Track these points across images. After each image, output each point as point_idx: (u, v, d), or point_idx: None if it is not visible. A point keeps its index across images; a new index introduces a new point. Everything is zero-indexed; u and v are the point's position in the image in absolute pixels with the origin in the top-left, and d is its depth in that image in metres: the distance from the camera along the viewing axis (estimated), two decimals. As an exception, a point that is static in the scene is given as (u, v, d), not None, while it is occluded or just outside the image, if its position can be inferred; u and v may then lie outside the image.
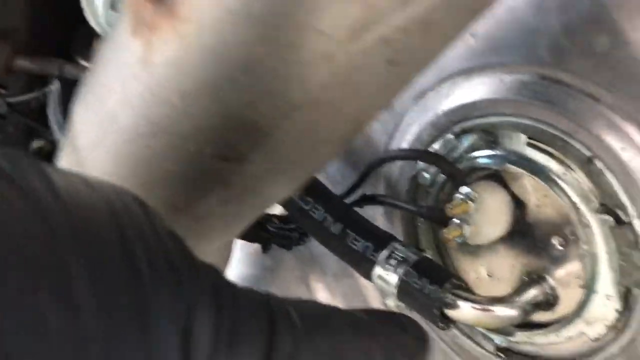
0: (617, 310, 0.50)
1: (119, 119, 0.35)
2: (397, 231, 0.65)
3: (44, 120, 0.81)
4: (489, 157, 0.54)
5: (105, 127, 0.36)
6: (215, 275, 0.26)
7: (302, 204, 0.58)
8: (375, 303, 0.71)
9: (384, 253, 0.54)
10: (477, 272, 0.60)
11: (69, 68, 0.73)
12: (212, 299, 0.24)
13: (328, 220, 0.58)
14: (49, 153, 0.87)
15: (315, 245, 0.77)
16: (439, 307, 0.51)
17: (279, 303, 0.27)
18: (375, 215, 0.67)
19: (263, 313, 0.26)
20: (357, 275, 0.73)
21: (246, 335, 0.25)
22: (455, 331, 0.62)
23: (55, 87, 0.80)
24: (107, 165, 0.38)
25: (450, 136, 0.56)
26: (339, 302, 0.74)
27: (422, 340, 0.33)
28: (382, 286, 0.54)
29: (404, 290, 0.53)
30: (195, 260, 0.25)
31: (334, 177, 0.71)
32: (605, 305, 0.50)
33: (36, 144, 0.93)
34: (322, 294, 0.76)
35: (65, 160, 0.44)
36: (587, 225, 0.49)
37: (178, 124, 0.33)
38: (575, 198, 0.49)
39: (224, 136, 0.32)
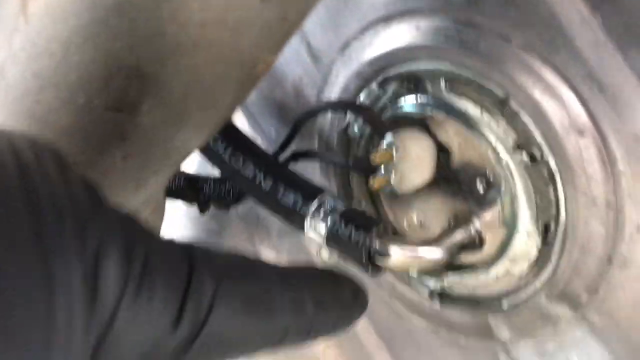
0: (537, 247, 0.51)
1: (7, 75, 0.34)
2: (333, 186, 0.65)
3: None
4: (411, 104, 0.55)
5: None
6: (128, 221, 0.26)
7: (233, 163, 0.58)
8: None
9: (314, 205, 0.55)
10: (409, 220, 0.61)
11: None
12: (121, 242, 0.24)
13: (258, 176, 0.58)
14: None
15: (258, 207, 0.77)
16: (367, 252, 0.52)
17: (201, 251, 0.27)
18: (313, 173, 0.68)
19: (181, 257, 0.26)
20: (300, 232, 0.74)
21: (160, 277, 0.25)
22: (392, 279, 0.64)
23: None
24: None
25: (374, 86, 0.57)
26: (284, 260, 0.75)
27: (357, 292, 0.34)
28: (313, 237, 0.55)
29: (332, 239, 0.53)
30: (105, 205, 0.25)
31: (269, 135, 0.71)
32: (526, 243, 0.52)
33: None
34: (268, 253, 0.76)
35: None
36: (505, 166, 0.50)
37: (62, 75, 0.32)
38: (493, 139, 0.50)
39: (111, 85, 0.32)
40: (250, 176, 0.58)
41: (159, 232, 0.58)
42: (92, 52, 0.31)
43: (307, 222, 0.55)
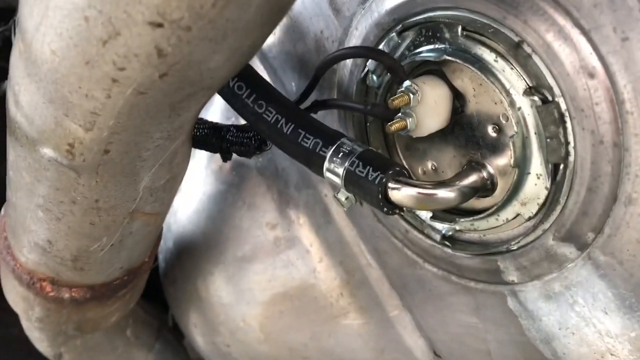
0: (546, 188, 0.53)
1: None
2: (351, 135, 0.68)
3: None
4: (429, 51, 0.57)
5: (46, 3, 0.39)
6: None
7: (256, 108, 0.61)
8: (334, 207, 0.75)
9: (333, 148, 0.57)
10: (423, 166, 0.64)
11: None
12: None
13: (280, 121, 0.60)
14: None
15: (278, 160, 0.80)
16: (383, 192, 0.54)
17: None
18: (332, 122, 0.70)
19: None
20: (317, 184, 0.77)
21: None
22: (405, 225, 0.66)
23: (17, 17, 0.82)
24: (52, 42, 0.40)
25: (393, 34, 0.59)
26: (301, 212, 0.78)
27: None
28: (331, 179, 0.58)
29: (349, 180, 0.56)
30: None
31: (290, 89, 0.74)
32: (536, 185, 0.54)
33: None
34: (286, 205, 0.79)
35: (15, 50, 0.46)
36: (517, 108, 0.52)
37: None
38: (506, 82, 0.52)
39: None
40: (272, 120, 0.60)
41: (186, 167, 0.61)
42: None
43: (326, 164, 0.58)
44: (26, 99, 0.46)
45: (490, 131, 0.56)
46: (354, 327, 0.77)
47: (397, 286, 0.73)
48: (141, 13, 0.36)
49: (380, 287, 0.74)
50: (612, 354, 0.57)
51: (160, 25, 0.36)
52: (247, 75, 0.62)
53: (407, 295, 0.72)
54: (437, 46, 0.56)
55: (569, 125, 0.50)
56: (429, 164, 0.63)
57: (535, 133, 0.52)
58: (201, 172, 0.85)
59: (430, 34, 0.57)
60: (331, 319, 0.78)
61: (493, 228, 0.59)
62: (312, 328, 0.79)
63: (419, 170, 0.64)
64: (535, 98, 0.51)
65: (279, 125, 0.60)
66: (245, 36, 0.40)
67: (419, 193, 0.54)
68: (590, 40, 0.47)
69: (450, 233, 0.63)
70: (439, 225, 0.63)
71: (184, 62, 0.39)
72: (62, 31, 0.39)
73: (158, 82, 0.40)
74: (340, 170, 0.56)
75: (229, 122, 0.80)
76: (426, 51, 0.57)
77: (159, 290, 0.97)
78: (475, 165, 0.58)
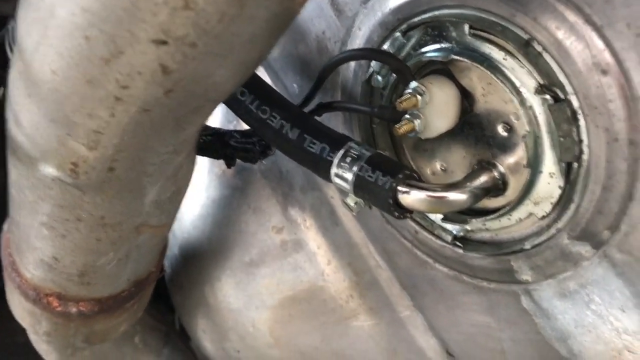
0: (560, 187, 0.52)
1: (57, 11, 0.36)
2: (357, 139, 0.67)
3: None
4: (435, 50, 0.56)
5: (45, 23, 0.37)
6: None
7: (260, 114, 0.60)
8: (341, 210, 0.74)
9: (340, 153, 0.56)
10: (432, 167, 0.63)
11: None
12: None
13: (285, 127, 0.59)
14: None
15: (282, 163, 0.79)
16: (393, 197, 0.53)
17: None
18: (337, 125, 0.69)
19: None
20: (323, 186, 0.76)
21: None
22: (415, 226, 0.65)
23: (12, 25, 0.80)
24: (53, 62, 0.39)
25: (398, 34, 0.58)
26: (307, 214, 0.77)
27: None
28: (340, 185, 0.56)
29: (359, 185, 0.55)
30: None
31: (292, 91, 0.73)
32: (549, 184, 0.53)
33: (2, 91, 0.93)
34: (291, 208, 0.78)
35: (14, 69, 0.45)
36: (528, 107, 0.51)
37: None
38: (516, 81, 0.51)
39: (157, 16, 0.34)
40: (277, 126, 0.59)
41: (191, 178, 0.60)
42: None
43: (334, 169, 0.56)
44: (27, 118, 0.44)
45: (501, 130, 0.55)
46: (365, 328, 0.77)
47: (407, 287, 0.72)
48: (144, 31, 0.35)
49: (390, 288, 0.74)
50: (629, 351, 0.57)
51: (164, 42, 0.35)
52: (250, 80, 0.61)
53: (418, 295, 0.71)
54: (443, 45, 0.55)
55: (582, 123, 0.49)
56: (438, 165, 0.62)
57: (547, 132, 0.51)
58: (204, 177, 0.84)
59: (436, 33, 0.56)
60: (341, 321, 0.78)
61: (505, 228, 0.58)
62: (323, 331, 0.79)
63: (428, 171, 0.63)
64: (547, 96, 0.50)
65: (284, 131, 0.59)
66: (252, 49, 0.38)
67: (429, 196, 0.53)
68: (602, 36, 0.46)
69: (461, 234, 0.62)
70: (449, 226, 0.62)
71: (190, 78, 0.38)
72: (63, 50, 0.37)
73: (163, 98, 0.39)
74: (349, 176, 0.55)
75: (231, 125, 0.79)
76: (432, 51, 0.56)
77: (162, 290, 0.96)
78: (485, 165, 0.57)
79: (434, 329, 0.72)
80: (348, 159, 0.56)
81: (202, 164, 0.84)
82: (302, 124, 0.59)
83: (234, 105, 0.61)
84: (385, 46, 0.59)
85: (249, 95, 0.60)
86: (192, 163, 0.56)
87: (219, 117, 0.82)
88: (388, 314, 0.75)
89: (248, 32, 0.36)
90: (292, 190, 0.78)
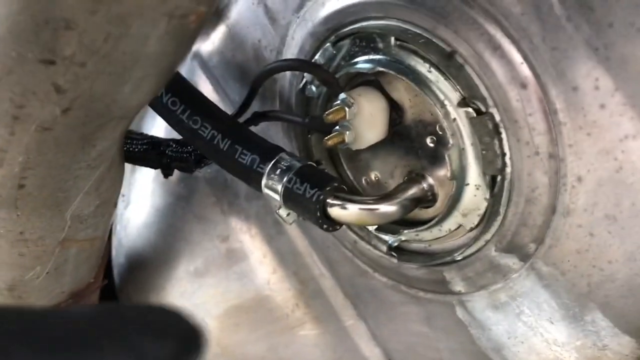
0: (486, 199, 0.52)
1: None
2: (295, 148, 0.66)
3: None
4: (364, 62, 0.55)
5: None
6: None
7: (191, 124, 0.59)
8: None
9: (271, 164, 0.56)
10: (367, 177, 0.62)
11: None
12: None
13: (216, 137, 0.58)
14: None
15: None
16: (322, 209, 0.53)
17: None
18: (278, 134, 0.68)
19: None
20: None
21: None
22: (354, 236, 0.65)
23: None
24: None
25: (328, 45, 0.57)
26: (252, 223, 0.76)
27: (184, 342, 0.25)
28: (270, 196, 0.56)
29: (288, 197, 0.54)
30: None
31: (233, 98, 0.72)
32: (476, 196, 0.53)
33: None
34: (237, 217, 0.78)
35: None
36: (452, 120, 0.51)
37: None
38: (440, 94, 0.51)
39: (40, 37, 0.33)
40: (208, 137, 0.58)
41: (119, 190, 0.59)
42: (18, 5, 0.31)
43: (264, 181, 0.56)
44: None
45: (429, 142, 0.55)
46: (311, 337, 0.76)
47: (350, 296, 0.72)
48: (31, 52, 0.34)
49: (334, 297, 0.73)
50: (560, 362, 0.57)
51: (52, 62, 0.34)
52: (182, 90, 0.60)
53: (361, 304, 0.71)
54: (371, 57, 0.55)
55: (504, 136, 0.49)
56: (372, 175, 0.62)
57: (471, 144, 0.51)
58: (149, 185, 0.83)
59: (364, 44, 0.55)
60: (288, 330, 0.77)
61: (437, 239, 0.58)
62: (269, 340, 0.78)
63: (363, 182, 0.63)
64: (470, 109, 0.50)
65: (215, 142, 0.58)
66: (151, 66, 0.38)
67: (359, 209, 0.53)
68: (520, 49, 0.46)
69: (396, 244, 0.62)
70: (385, 237, 0.62)
71: (86, 96, 0.37)
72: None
73: (61, 117, 0.38)
74: (279, 187, 0.55)
75: (174, 134, 0.78)
76: (362, 62, 0.55)
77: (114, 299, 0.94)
78: (415, 177, 0.57)
79: (376, 338, 0.72)
80: (278, 171, 0.55)
81: (147, 171, 0.83)
82: (233, 135, 0.58)
83: (166, 115, 0.60)
84: (317, 56, 0.59)
85: (180, 105, 0.59)
86: (117, 176, 0.55)
87: (164, 125, 0.81)
88: (333, 323, 0.74)
89: (142, 51, 0.35)
90: (237, 198, 0.77)
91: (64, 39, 0.33)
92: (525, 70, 0.46)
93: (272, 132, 0.68)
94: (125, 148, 0.64)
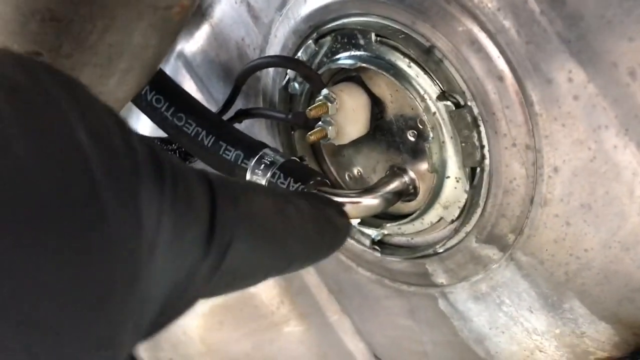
0: (466, 191, 0.53)
1: None
2: (278, 144, 0.67)
3: None
4: (346, 58, 0.56)
5: None
6: (152, 147, 0.25)
7: (175, 121, 0.60)
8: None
9: (255, 159, 0.57)
10: (350, 172, 0.63)
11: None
12: (152, 169, 0.24)
13: (200, 134, 0.59)
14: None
15: (209, 169, 0.79)
16: (304, 203, 0.54)
17: (214, 175, 0.28)
18: (261, 131, 0.69)
19: (202, 181, 0.27)
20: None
21: (190, 198, 0.25)
22: (336, 232, 0.66)
23: None
24: None
25: (310, 42, 0.58)
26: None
27: (342, 213, 0.40)
28: (255, 191, 0.57)
29: (272, 192, 0.55)
30: (132, 134, 0.25)
31: (217, 97, 0.73)
32: (456, 188, 0.54)
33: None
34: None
35: None
36: (432, 113, 0.52)
37: None
38: (419, 88, 0.52)
39: (27, 29, 0.33)
40: (192, 134, 0.59)
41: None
42: None
43: (248, 176, 0.57)
44: None
45: (410, 136, 0.56)
46: (296, 334, 0.77)
47: (335, 291, 0.73)
48: (17, 43, 0.34)
49: (319, 293, 0.74)
50: (540, 351, 0.58)
51: (38, 54, 0.35)
52: (166, 87, 0.61)
53: (345, 300, 0.72)
54: (353, 53, 0.56)
55: (482, 128, 0.50)
56: (355, 170, 0.63)
57: (451, 137, 0.52)
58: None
59: (345, 40, 0.56)
60: (272, 327, 0.78)
61: (419, 232, 0.59)
62: (254, 337, 0.79)
63: (346, 177, 0.64)
64: (449, 103, 0.51)
65: (199, 138, 0.59)
66: (135, 58, 0.38)
67: (341, 202, 0.54)
68: (497, 43, 0.47)
69: (379, 238, 0.62)
70: (368, 231, 0.63)
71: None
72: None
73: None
74: (263, 182, 0.56)
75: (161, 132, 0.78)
76: (343, 58, 0.56)
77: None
78: (397, 171, 0.58)
79: (361, 333, 0.73)
80: (262, 166, 0.56)
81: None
82: (217, 131, 0.59)
83: (150, 112, 0.60)
84: (300, 53, 0.59)
85: (164, 103, 0.60)
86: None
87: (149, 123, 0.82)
88: (318, 319, 0.75)
89: (126, 42, 0.36)
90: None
91: (50, 31, 0.33)
92: (501, 63, 0.47)
93: (256, 129, 0.69)
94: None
